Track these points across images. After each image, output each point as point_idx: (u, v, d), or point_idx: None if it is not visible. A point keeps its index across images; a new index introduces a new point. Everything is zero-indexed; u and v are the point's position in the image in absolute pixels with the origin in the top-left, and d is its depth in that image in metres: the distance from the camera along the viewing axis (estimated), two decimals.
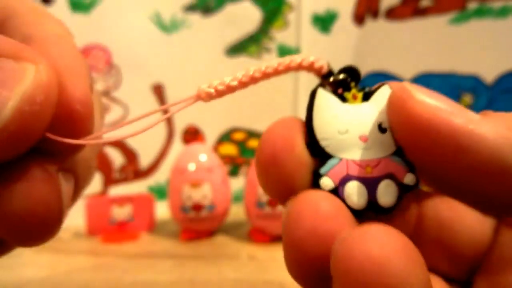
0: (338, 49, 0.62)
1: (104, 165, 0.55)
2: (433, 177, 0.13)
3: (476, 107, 0.55)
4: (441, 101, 0.12)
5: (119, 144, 0.56)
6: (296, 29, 0.62)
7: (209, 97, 0.16)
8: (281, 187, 0.13)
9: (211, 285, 0.35)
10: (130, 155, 0.57)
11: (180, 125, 0.59)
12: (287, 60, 0.15)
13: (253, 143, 0.62)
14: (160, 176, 0.58)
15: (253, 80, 0.16)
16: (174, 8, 0.57)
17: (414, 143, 0.13)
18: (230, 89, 0.16)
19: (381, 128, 0.14)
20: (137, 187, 0.57)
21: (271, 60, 0.15)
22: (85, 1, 0.52)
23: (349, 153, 0.14)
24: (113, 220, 0.48)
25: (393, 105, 0.13)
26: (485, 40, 0.53)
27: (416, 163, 0.13)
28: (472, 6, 0.54)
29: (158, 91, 0.58)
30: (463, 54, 0.55)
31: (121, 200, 0.49)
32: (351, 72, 0.15)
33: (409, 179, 0.14)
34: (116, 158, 0.56)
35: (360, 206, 0.13)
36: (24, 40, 0.15)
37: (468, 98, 0.55)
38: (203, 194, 0.44)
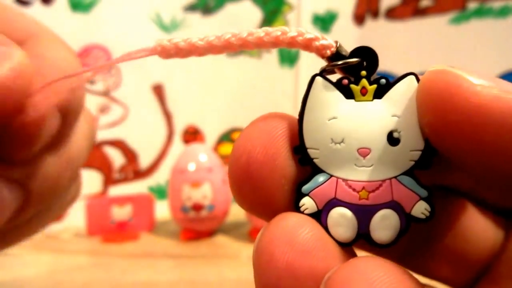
0: None
1: (104, 165, 0.55)
2: (494, 179, 0.10)
3: None
4: (496, 80, 0.09)
5: (119, 144, 0.56)
6: None
7: (165, 53, 0.13)
8: (259, 206, 0.11)
9: (211, 285, 0.35)
10: (130, 155, 0.57)
11: (180, 125, 0.59)
12: (277, 31, 0.11)
13: None
14: (160, 176, 0.58)
15: (228, 45, 0.12)
16: (174, 8, 0.57)
17: (479, 146, 0.09)
18: (194, 49, 0.12)
19: (392, 139, 0.10)
20: (137, 187, 0.57)
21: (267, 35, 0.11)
22: (85, 1, 0.52)
23: (341, 169, 0.11)
24: (113, 220, 0.48)
25: (435, 98, 0.09)
26: (485, 40, 0.53)
27: (474, 168, 0.10)
28: (472, 6, 0.54)
29: (158, 91, 0.58)
30: (463, 54, 0.55)
31: (121, 200, 0.49)
32: (365, 55, 0.11)
33: (419, 210, 0.10)
34: (116, 158, 0.56)
35: (346, 239, 0.11)
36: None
37: None
38: (203, 194, 0.44)
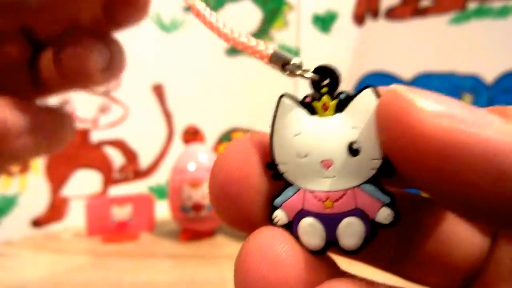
0: (338, 49, 0.62)
1: (104, 165, 0.55)
2: (458, 206, 0.10)
3: None
4: (453, 105, 0.09)
5: (119, 144, 0.56)
6: (296, 29, 0.62)
7: (196, 11, 0.15)
8: (238, 221, 0.12)
9: (211, 285, 0.35)
10: (130, 155, 0.57)
11: (180, 125, 0.59)
12: (251, 42, 0.13)
13: None
14: (160, 176, 0.58)
15: (225, 36, 0.14)
16: (174, 8, 0.57)
17: (426, 171, 0.09)
18: (210, 25, 0.14)
19: (352, 150, 0.11)
20: (137, 187, 0.57)
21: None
22: None
23: (308, 181, 0.11)
24: (113, 220, 0.48)
25: (387, 121, 0.10)
26: (485, 40, 0.53)
27: (426, 190, 0.10)
28: (472, 6, 0.54)
29: (158, 91, 0.58)
30: (463, 54, 0.55)
31: (121, 200, 0.49)
32: (326, 73, 0.12)
33: (383, 216, 0.11)
34: (116, 158, 0.56)
35: (316, 247, 0.11)
36: None
37: (468, 98, 0.55)
38: (203, 194, 0.44)
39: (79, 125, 0.53)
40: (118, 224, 0.48)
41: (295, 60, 0.12)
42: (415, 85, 0.56)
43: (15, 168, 0.48)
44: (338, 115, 0.11)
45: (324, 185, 0.11)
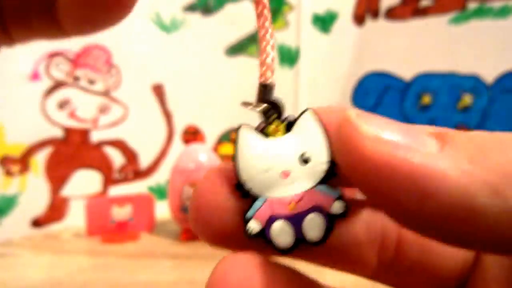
0: (338, 49, 0.62)
1: (104, 165, 0.55)
2: (394, 217, 0.11)
3: (476, 107, 0.55)
4: (393, 131, 0.10)
5: (119, 144, 0.56)
6: (296, 29, 0.62)
7: None
8: (217, 239, 0.14)
9: None
10: (130, 155, 0.57)
11: (180, 125, 0.59)
12: (269, 42, 0.15)
13: None
14: (160, 176, 0.58)
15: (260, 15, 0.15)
16: (174, 8, 0.58)
17: (368, 187, 0.11)
18: None
19: (303, 159, 0.13)
20: (137, 187, 0.57)
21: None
22: None
23: (272, 191, 0.13)
24: (113, 220, 0.48)
25: (339, 143, 0.11)
26: (485, 40, 0.53)
27: (375, 204, 0.11)
28: (472, 6, 0.54)
29: (158, 91, 0.58)
30: (463, 54, 0.55)
31: (121, 200, 0.49)
32: (272, 105, 0.15)
33: (336, 208, 0.13)
34: (116, 158, 0.56)
35: (286, 245, 0.13)
36: None
37: (468, 98, 0.55)
38: None
39: (79, 125, 0.53)
40: (118, 224, 0.48)
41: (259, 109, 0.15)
42: (415, 85, 0.56)
43: (15, 168, 0.48)
44: (287, 135, 0.14)
45: (286, 191, 0.13)
